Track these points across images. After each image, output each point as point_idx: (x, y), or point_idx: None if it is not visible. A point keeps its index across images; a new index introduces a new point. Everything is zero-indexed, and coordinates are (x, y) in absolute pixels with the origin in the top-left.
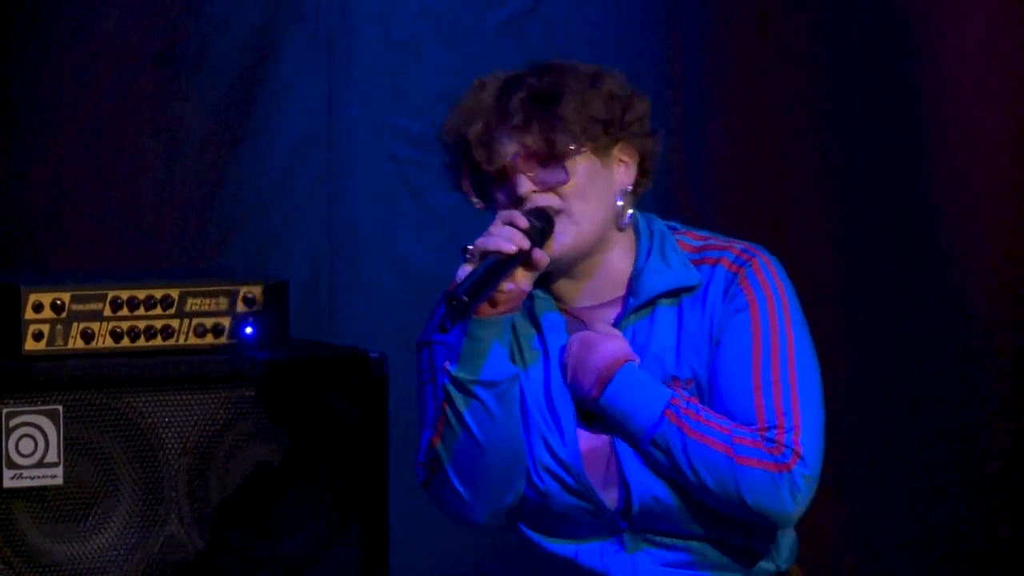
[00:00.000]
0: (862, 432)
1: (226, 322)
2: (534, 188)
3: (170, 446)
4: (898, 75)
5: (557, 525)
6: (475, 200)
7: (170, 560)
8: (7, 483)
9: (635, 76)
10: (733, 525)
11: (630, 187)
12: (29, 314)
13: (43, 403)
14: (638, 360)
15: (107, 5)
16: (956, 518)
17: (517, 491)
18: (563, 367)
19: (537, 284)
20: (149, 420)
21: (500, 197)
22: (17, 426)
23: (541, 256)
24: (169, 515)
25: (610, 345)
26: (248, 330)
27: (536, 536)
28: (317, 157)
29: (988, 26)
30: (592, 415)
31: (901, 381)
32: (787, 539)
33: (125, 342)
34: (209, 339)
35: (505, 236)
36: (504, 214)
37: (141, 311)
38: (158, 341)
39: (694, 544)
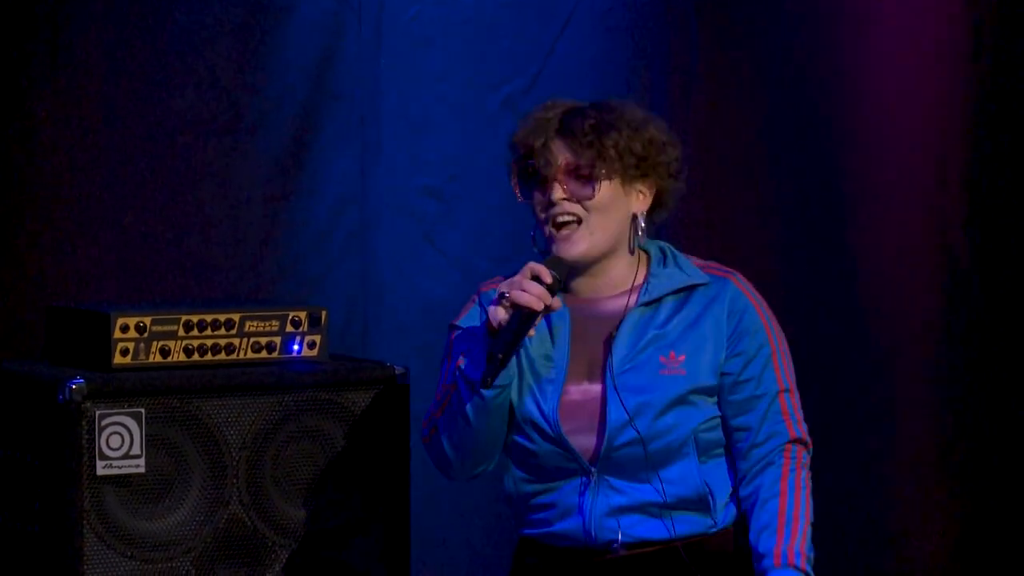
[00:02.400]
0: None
1: (277, 341)
2: (564, 196)
3: (232, 442)
4: (820, 113)
5: (537, 467)
6: (519, 194)
7: (232, 534)
8: (99, 472)
9: None
10: (688, 479)
11: (643, 213)
12: (117, 334)
13: (128, 406)
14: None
15: (182, 85)
16: (877, 503)
17: (492, 462)
18: None
19: None
20: (215, 420)
21: (538, 196)
22: (107, 425)
23: (557, 304)
24: (231, 498)
25: None
26: (295, 347)
27: (522, 474)
28: (352, 213)
29: (902, 54)
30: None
31: (832, 378)
32: (729, 506)
33: (195, 357)
34: (263, 354)
35: (537, 294)
36: (532, 266)
37: (209, 332)
38: (222, 356)
39: (651, 488)
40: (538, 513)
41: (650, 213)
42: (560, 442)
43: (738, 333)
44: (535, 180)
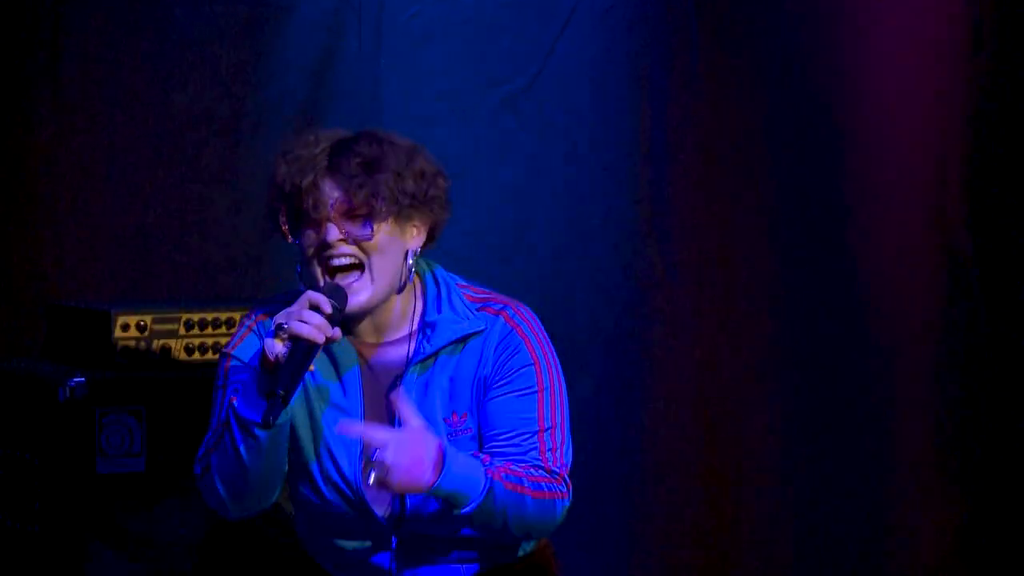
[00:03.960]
0: (805, 429)
1: None
2: (341, 238)
3: None
4: (820, 113)
5: (335, 527)
6: (288, 236)
7: (233, 533)
8: (100, 470)
9: (610, 146)
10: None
11: (418, 249)
12: (118, 333)
13: (129, 405)
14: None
15: (182, 84)
16: (877, 502)
17: (268, 504)
18: (383, 467)
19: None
20: None
21: (310, 235)
22: (108, 423)
23: (337, 335)
24: None
25: (430, 437)
26: None
27: (318, 528)
28: None
29: (899, 63)
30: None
31: (832, 378)
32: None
33: (196, 355)
34: None
35: (316, 324)
36: (311, 296)
37: (209, 330)
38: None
39: (453, 549)
40: (330, 562)
41: (422, 245)
42: (359, 507)
43: (502, 371)
44: (306, 221)
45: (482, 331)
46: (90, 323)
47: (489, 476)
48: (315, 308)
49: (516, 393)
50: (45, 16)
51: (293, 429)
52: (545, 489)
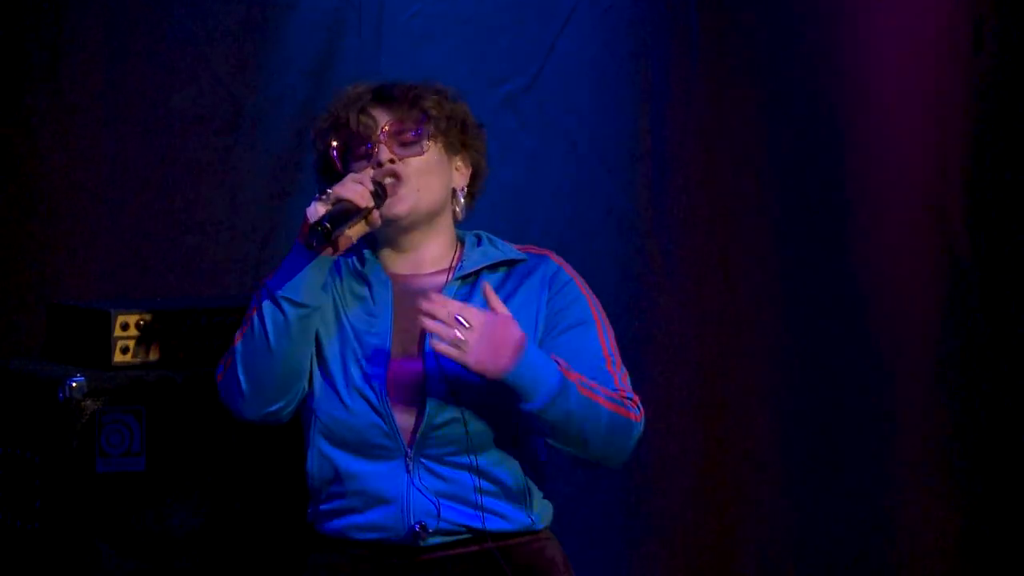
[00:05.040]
0: (805, 422)
1: None
2: (392, 158)
3: (232, 440)
4: (820, 113)
5: (354, 442)
6: (338, 166)
7: (234, 533)
8: (100, 469)
9: (610, 143)
10: (508, 464)
11: (463, 188)
12: (117, 332)
13: (129, 404)
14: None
15: (182, 83)
16: (877, 502)
17: (283, 406)
18: (474, 341)
19: (368, 249)
20: (215, 418)
21: (359, 165)
22: (108, 423)
23: (376, 217)
24: (232, 496)
25: (513, 326)
26: None
27: (334, 451)
28: None
29: (899, 61)
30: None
31: (832, 378)
32: (545, 504)
33: (196, 355)
34: None
35: (359, 192)
36: (355, 175)
37: (209, 330)
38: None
39: (468, 474)
40: (342, 500)
41: (467, 192)
42: (385, 415)
43: (558, 304)
44: (355, 153)
45: (524, 260)
46: (90, 322)
47: (565, 376)
48: (359, 183)
49: (577, 326)
50: (45, 16)
51: (319, 341)
52: (620, 406)
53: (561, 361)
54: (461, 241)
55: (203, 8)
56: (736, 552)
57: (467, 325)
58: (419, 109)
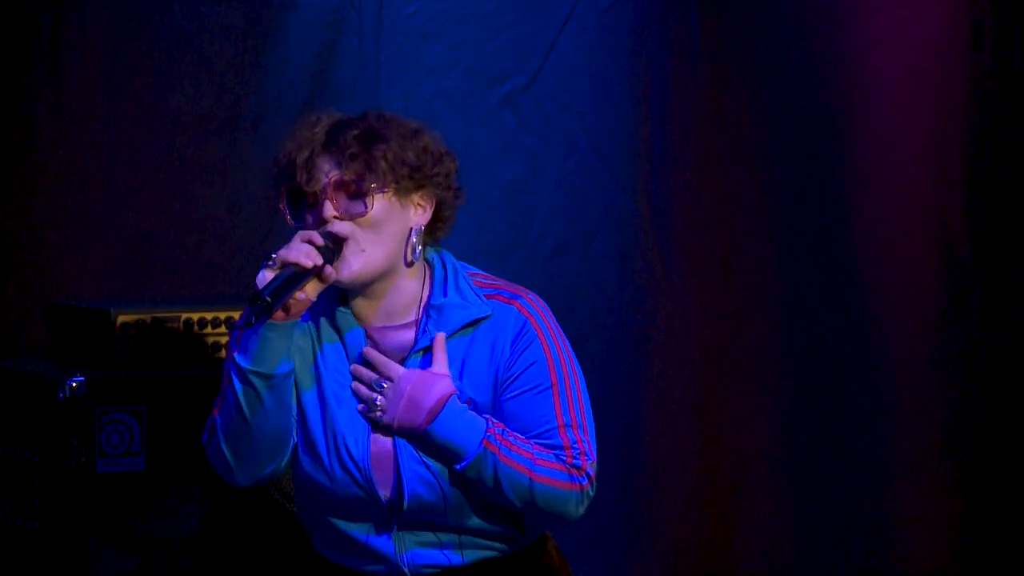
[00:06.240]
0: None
1: None
2: (336, 215)
3: None
4: (820, 112)
5: (340, 507)
6: (288, 218)
7: (233, 532)
8: (100, 469)
9: (610, 143)
10: (491, 517)
11: (422, 227)
12: (118, 332)
13: (129, 404)
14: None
15: (181, 82)
16: (877, 502)
17: (275, 468)
18: (392, 399)
19: (340, 302)
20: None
21: (309, 218)
22: (108, 423)
23: (330, 272)
24: (232, 496)
25: (439, 384)
26: None
27: (322, 509)
28: None
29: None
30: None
31: (832, 378)
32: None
33: (195, 355)
34: None
35: (304, 252)
36: (303, 233)
37: (208, 330)
38: (221, 354)
39: (455, 536)
40: (335, 546)
41: (430, 228)
42: (367, 490)
43: (517, 368)
44: (304, 201)
45: (489, 316)
46: (90, 322)
47: (484, 445)
48: (307, 242)
49: (529, 391)
50: (45, 16)
51: (302, 406)
52: (557, 478)
53: (496, 425)
54: (430, 267)
55: (203, 8)
56: (736, 552)
57: (386, 386)
58: (363, 160)
